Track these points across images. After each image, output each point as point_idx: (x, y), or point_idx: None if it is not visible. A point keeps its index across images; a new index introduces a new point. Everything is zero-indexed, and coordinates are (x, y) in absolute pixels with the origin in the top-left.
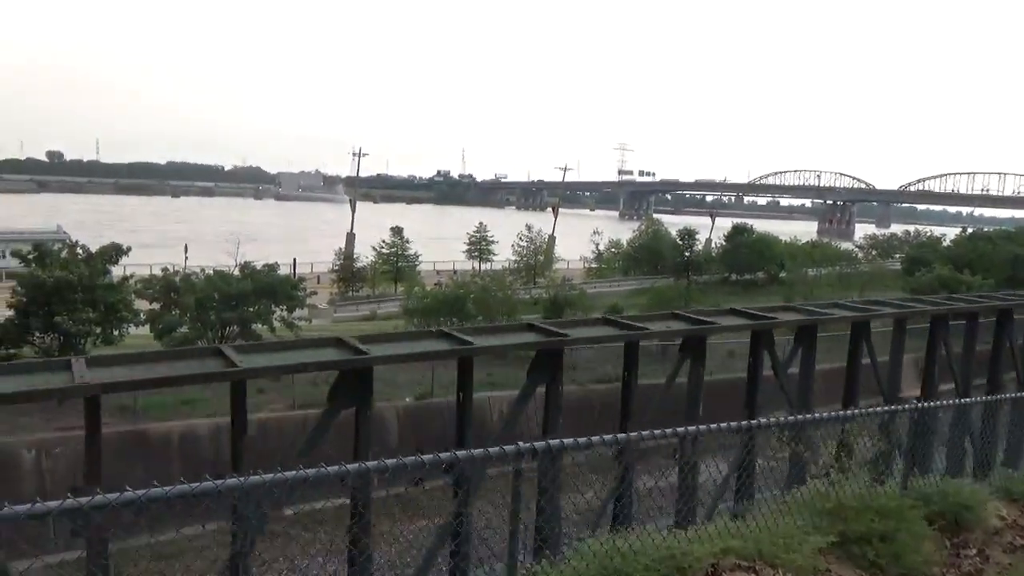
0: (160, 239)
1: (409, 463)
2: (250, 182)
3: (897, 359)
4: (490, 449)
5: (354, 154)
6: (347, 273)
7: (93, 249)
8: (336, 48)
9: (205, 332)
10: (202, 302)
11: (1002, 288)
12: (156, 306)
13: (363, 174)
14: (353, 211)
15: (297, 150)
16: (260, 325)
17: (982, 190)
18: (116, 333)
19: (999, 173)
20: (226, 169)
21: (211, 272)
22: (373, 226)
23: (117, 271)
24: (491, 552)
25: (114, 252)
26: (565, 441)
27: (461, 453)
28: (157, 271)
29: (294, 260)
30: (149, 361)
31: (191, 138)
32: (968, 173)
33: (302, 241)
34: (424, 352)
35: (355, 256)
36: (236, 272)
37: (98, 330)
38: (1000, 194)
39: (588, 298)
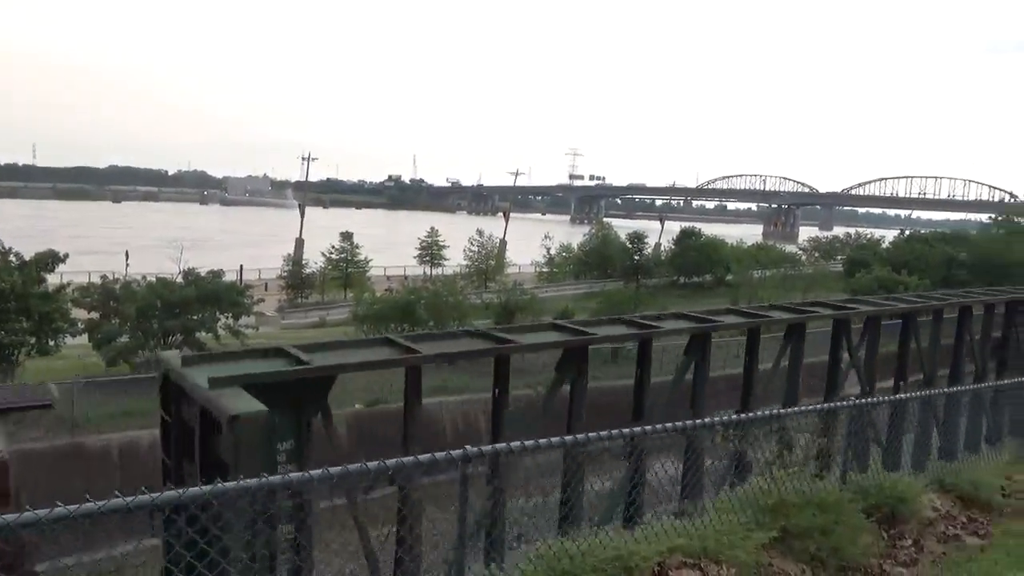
0: (100, 245)
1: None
2: (195, 187)
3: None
4: (437, 455)
5: (303, 158)
6: (295, 279)
7: (28, 256)
8: (284, 51)
9: (147, 341)
10: (143, 310)
11: (938, 288)
12: (95, 315)
13: (312, 179)
14: (302, 216)
15: (244, 154)
16: (204, 333)
17: (919, 193)
18: (52, 343)
19: (935, 177)
20: (170, 173)
21: (153, 279)
22: (324, 229)
23: (53, 279)
24: (444, 559)
25: (50, 259)
26: (513, 444)
27: (407, 460)
28: (96, 279)
29: (240, 266)
30: (339, 348)
31: (133, 142)
32: (906, 177)
33: (249, 247)
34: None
35: (304, 262)
36: (179, 279)
37: (32, 340)
38: (936, 197)
39: (539, 302)
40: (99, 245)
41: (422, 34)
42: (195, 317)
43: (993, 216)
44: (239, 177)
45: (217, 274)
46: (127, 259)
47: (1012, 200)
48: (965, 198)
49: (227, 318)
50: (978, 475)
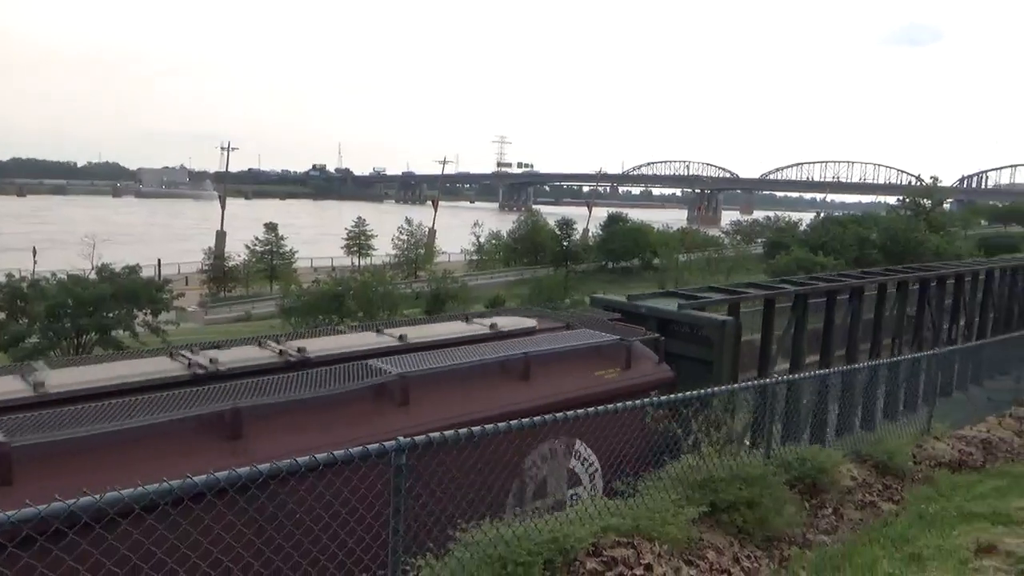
0: (5, 241)
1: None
2: (107, 179)
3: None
4: (368, 446)
5: (223, 148)
6: (218, 273)
7: None
8: (201, 38)
9: (59, 341)
10: (54, 309)
11: (851, 267)
12: (0, 316)
13: (233, 169)
14: (223, 208)
15: (160, 145)
16: (122, 331)
17: (833, 177)
18: None
19: (848, 162)
20: (79, 166)
21: (64, 277)
22: (247, 221)
23: None
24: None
25: None
26: (446, 434)
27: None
28: (1, 277)
29: (158, 261)
30: None
31: (39, 133)
32: (821, 162)
33: (168, 240)
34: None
35: (226, 255)
36: (93, 276)
37: None
38: (849, 181)
39: (470, 290)
40: (3, 241)
41: (344, 21)
42: (111, 315)
43: (901, 198)
44: (154, 168)
45: (133, 269)
46: (35, 256)
47: (919, 183)
48: (876, 181)
49: (146, 315)
50: (892, 444)
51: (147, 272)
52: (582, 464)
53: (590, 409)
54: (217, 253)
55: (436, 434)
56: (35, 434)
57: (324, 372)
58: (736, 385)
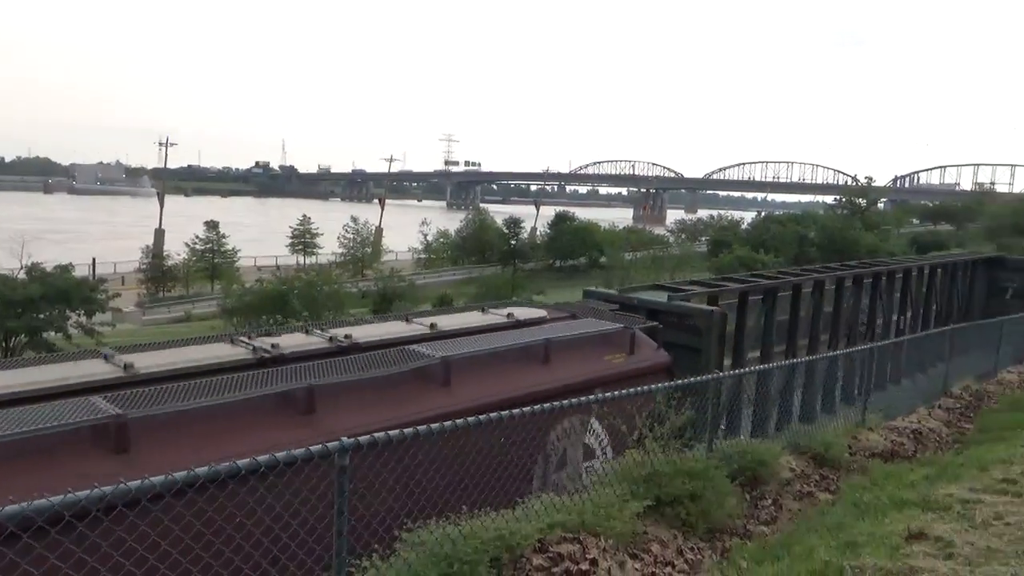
0: None
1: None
2: (37, 174)
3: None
4: (312, 447)
5: (161, 144)
6: (156, 272)
7: None
8: (136, 30)
9: None
10: None
11: (791, 265)
12: None
13: (172, 165)
14: (161, 205)
15: (95, 140)
16: (54, 333)
17: (774, 177)
18: None
19: (787, 162)
20: (7, 160)
21: None
22: (187, 218)
23: None
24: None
25: None
26: (392, 433)
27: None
28: None
29: (93, 260)
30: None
31: None
32: (762, 162)
33: (105, 238)
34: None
35: (165, 254)
36: (22, 275)
37: None
38: (788, 181)
39: (417, 289)
40: None
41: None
42: (41, 316)
43: (837, 198)
44: (89, 164)
45: (65, 269)
46: None
47: (855, 183)
48: (814, 181)
49: (79, 316)
50: (829, 436)
51: (81, 271)
52: (595, 439)
53: (609, 394)
54: (155, 252)
55: (381, 434)
56: (146, 408)
57: (374, 356)
58: (679, 382)
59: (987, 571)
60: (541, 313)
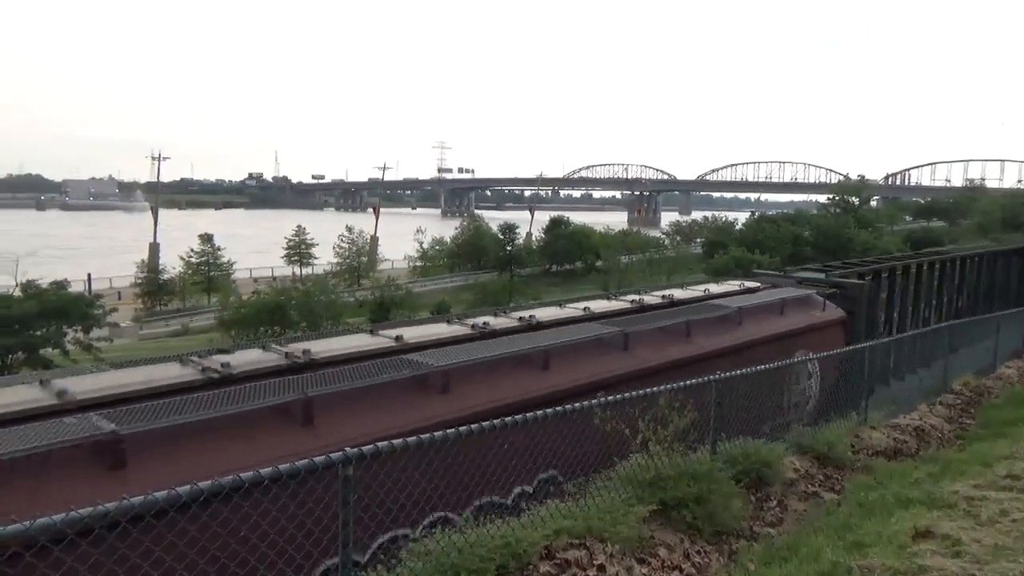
0: None
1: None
2: (30, 191)
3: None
4: (316, 458)
5: (153, 157)
6: (152, 286)
7: None
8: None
9: None
10: None
11: (785, 264)
12: None
13: (165, 179)
14: (155, 219)
15: (87, 156)
16: (51, 349)
17: (766, 177)
18: None
19: (779, 162)
20: None
21: None
22: (182, 232)
23: None
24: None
25: None
26: (395, 442)
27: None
28: None
29: (88, 276)
30: None
31: None
32: (754, 162)
33: (100, 255)
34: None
35: (161, 268)
36: (17, 292)
37: None
38: (781, 181)
39: (415, 296)
40: None
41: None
42: (38, 333)
43: (831, 196)
44: (81, 180)
45: (61, 285)
46: None
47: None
48: (807, 180)
49: (76, 331)
50: (832, 435)
51: (77, 288)
52: (813, 370)
53: (830, 353)
54: (151, 266)
55: (384, 443)
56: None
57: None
58: (679, 384)
59: (996, 568)
60: (757, 284)
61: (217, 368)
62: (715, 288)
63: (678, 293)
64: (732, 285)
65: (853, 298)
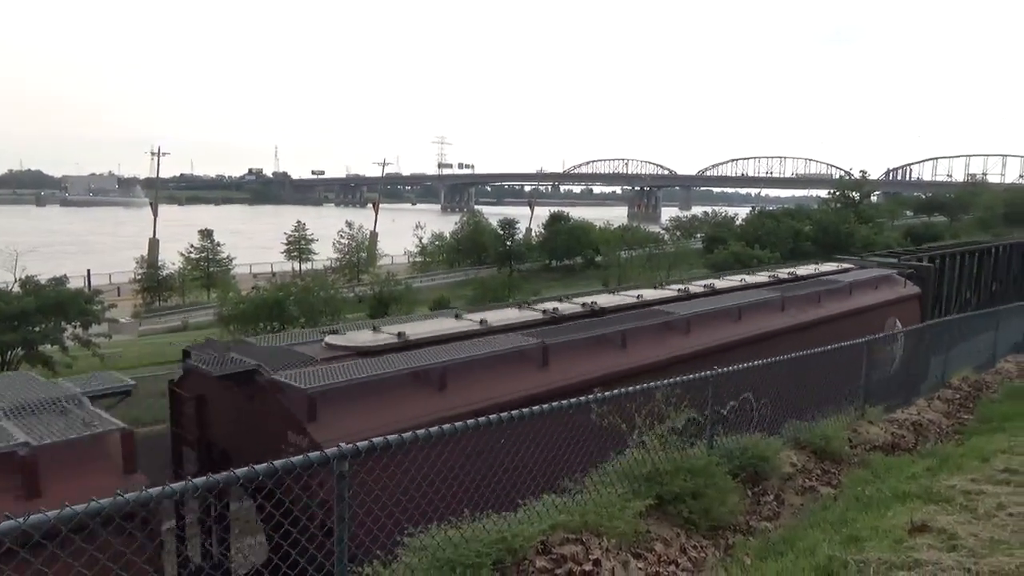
0: None
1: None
2: (30, 187)
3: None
4: (310, 455)
5: (153, 153)
6: (151, 282)
7: None
8: (127, 40)
9: None
10: None
11: (786, 259)
12: None
13: (165, 175)
14: (155, 215)
15: (86, 152)
16: (50, 345)
17: (767, 172)
18: None
19: (780, 157)
20: None
21: None
22: (182, 227)
23: None
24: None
25: None
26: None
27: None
28: None
29: (87, 271)
30: None
31: None
32: (755, 158)
33: (100, 250)
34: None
35: (160, 263)
36: (16, 288)
37: None
38: (781, 175)
39: (414, 292)
40: None
41: (277, 24)
42: (37, 329)
43: (831, 191)
44: (81, 175)
45: (60, 281)
46: None
47: (848, 177)
48: (807, 175)
49: (75, 328)
50: (829, 430)
51: (76, 283)
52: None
53: (919, 326)
54: (150, 262)
55: (379, 439)
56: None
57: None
58: (675, 379)
59: (992, 562)
60: (849, 265)
61: (478, 322)
62: (823, 268)
63: (781, 274)
64: (830, 266)
65: (923, 278)
